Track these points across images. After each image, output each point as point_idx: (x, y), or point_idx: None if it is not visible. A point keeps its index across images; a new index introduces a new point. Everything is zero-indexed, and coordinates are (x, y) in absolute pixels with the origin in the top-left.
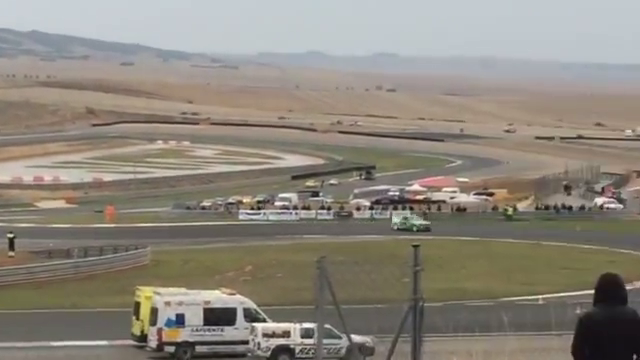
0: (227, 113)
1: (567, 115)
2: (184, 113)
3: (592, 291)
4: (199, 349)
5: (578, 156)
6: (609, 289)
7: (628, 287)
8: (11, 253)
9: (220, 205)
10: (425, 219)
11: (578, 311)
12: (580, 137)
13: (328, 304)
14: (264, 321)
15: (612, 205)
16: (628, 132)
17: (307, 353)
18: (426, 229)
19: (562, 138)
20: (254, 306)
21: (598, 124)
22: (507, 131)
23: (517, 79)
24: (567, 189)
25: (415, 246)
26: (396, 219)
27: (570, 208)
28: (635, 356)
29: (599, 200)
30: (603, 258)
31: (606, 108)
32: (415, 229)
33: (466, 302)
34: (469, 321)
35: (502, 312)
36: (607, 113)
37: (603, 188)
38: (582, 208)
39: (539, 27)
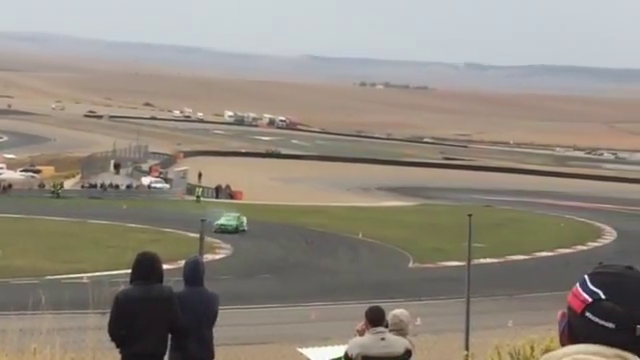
0: None
1: (116, 94)
2: None
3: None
4: None
5: (126, 135)
6: (145, 267)
7: (171, 266)
8: None
9: None
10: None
11: (122, 289)
12: (154, 118)
13: None
14: None
15: (159, 185)
16: (176, 113)
17: None
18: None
19: (111, 117)
20: None
21: (147, 104)
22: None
23: (65, 56)
24: (116, 168)
25: None
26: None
27: (117, 186)
28: (170, 334)
29: (146, 179)
30: (148, 237)
31: (155, 88)
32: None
33: (11, 280)
34: (6, 300)
35: (40, 290)
36: (156, 93)
37: (150, 167)
38: (129, 187)
39: (84, 5)
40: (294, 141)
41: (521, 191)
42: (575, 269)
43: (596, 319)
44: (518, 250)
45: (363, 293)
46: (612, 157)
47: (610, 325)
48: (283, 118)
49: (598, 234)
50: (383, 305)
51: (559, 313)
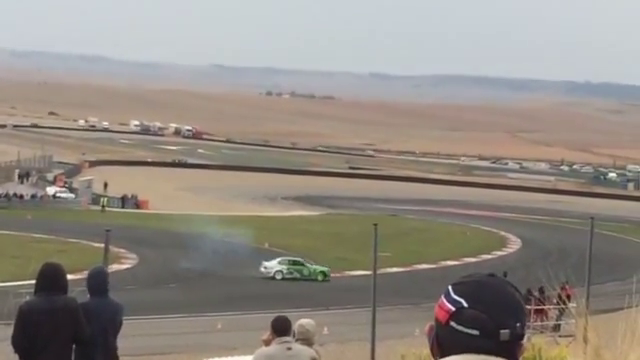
0: None
1: (21, 103)
2: None
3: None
4: None
5: (31, 145)
6: (49, 278)
7: (77, 276)
8: None
9: None
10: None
11: (26, 300)
12: (35, 126)
13: None
14: None
15: (64, 194)
16: (81, 122)
17: None
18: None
19: (15, 126)
20: None
21: (52, 113)
22: None
23: None
24: (22, 177)
25: None
26: (275, 264)
27: (22, 196)
28: (74, 345)
29: (51, 189)
30: (54, 247)
31: (60, 98)
32: (321, 279)
33: None
34: None
35: None
36: (61, 103)
37: (55, 177)
38: (34, 197)
39: None
40: (200, 150)
41: (427, 200)
42: None
43: (460, 327)
44: (424, 259)
45: (269, 303)
46: (517, 166)
47: (474, 332)
48: (189, 127)
49: (503, 243)
50: (290, 315)
51: (427, 326)
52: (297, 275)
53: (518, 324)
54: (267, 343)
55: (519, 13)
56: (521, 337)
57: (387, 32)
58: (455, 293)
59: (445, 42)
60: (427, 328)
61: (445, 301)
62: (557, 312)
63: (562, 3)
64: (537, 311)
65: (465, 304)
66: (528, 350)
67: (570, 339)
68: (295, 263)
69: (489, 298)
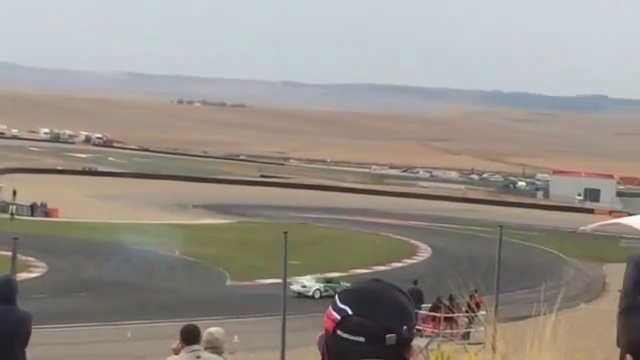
0: None
1: None
2: None
3: None
4: None
5: None
6: None
7: None
8: None
9: None
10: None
11: None
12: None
13: None
14: None
15: None
16: None
17: None
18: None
19: None
20: None
21: None
22: None
23: None
24: None
25: None
26: (313, 282)
27: None
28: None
29: None
30: None
31: None
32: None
33: None
34: None
35: None
36: None
37: None
38: None
39: None
40: (111, 158)
41: (338, 209)
42: None
43: (347, 335)
44: (334, 267)
45: (180, 311)
46: (427, 175)
47: (360, 339)
48: (100, 135)
49: (413, 251)
50: (200, 323)
51: (318, 336)
52: (332, 292)
53: (405, 327)
54: (176, 352)
55: (430, 22)
56: (409, 340)
57: (300, 40)
58: (340, 301)
59: (357, 51)
60: (317, 338)
61: (332, 310)
62: (466, 320)
63: (473, 12)
64: (447, 319)
65: (350, 311)
66: (438, 358)
67: (479, 347)
68: (329, 281)
69: (373, 304)
